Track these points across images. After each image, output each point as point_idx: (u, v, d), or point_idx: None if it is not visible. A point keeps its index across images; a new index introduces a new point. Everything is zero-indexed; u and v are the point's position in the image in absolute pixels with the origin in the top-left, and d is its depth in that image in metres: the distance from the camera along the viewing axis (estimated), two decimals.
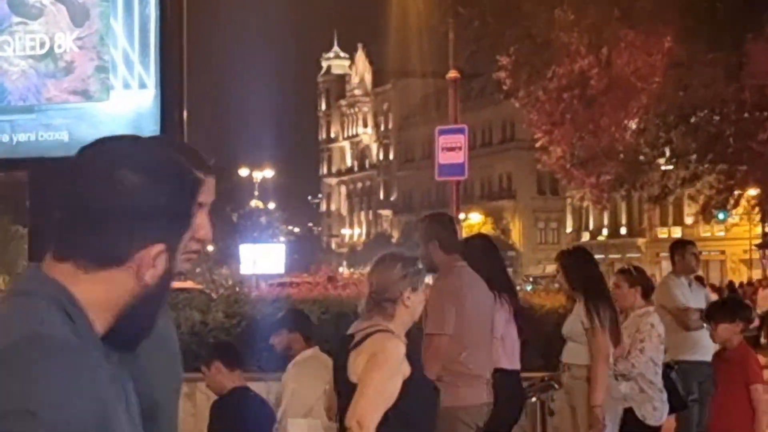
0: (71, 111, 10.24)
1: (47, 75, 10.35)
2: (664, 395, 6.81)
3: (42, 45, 10.23)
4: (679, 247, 8.78)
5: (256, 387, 7.77)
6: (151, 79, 10.03)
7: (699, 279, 11.20)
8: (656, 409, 6.73)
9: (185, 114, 10.24)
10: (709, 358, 8.50)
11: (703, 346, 8.42)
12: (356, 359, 3.80)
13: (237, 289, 9.40)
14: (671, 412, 6.98)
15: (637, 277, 6.54)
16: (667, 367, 8.51)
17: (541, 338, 9.93)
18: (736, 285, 29.29)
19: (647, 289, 6.44)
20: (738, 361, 5.89)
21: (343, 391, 3.84)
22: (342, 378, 3.86)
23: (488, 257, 6.24)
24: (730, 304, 6.24)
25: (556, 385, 6.88)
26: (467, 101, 58.79)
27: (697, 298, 8.51)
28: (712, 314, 6.07)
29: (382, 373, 3.75)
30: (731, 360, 5.93)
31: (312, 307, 8.49)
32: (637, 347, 6.18)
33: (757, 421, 5.75)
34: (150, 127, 9.87)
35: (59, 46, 10.13)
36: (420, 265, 3.99)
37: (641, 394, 6.05)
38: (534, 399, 7.03)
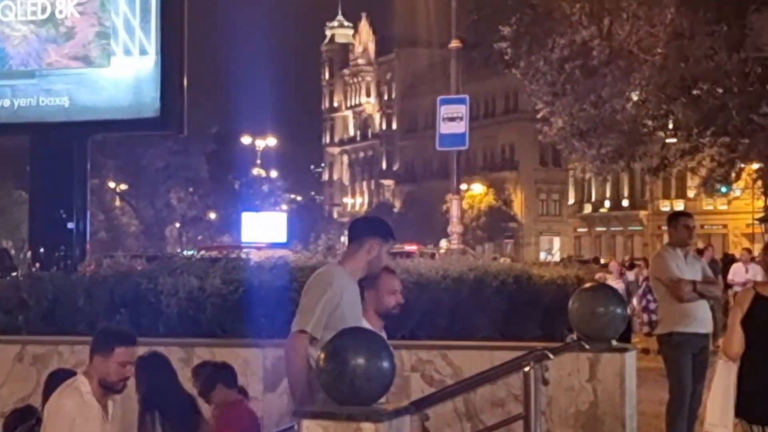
0: (72, 76, 10.29)
1: (48, 40, 10.43)
2: None
3: (43, 10, 10.28)
4: (673, 219, 8.80)
5: (253, 354, 7.82)
6: (152, 45, 10.10)
7: (700, 252, 11.24)
8: None
9: (185, 80, 10.26)
10: (704, 329, 8.56)
11: (698, 318, 8.48)
12: None
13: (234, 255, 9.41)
14: None
15: None
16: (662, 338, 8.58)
17: (539, 309, 9.98)
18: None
19: None
20: None
21: None
22: None
23: None
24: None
25: (551, 355, 6.90)
26: (470, 71, 58.28)
27: (692, 270, 8.54)
28: None
29: None
30: None
31: (310, 274, 8.51)
32: None
33: None
34: (150, 93, 9.93)
35: (60, 12, 10.17)
36: None
37: None
38: (528, 369, 7.08)
